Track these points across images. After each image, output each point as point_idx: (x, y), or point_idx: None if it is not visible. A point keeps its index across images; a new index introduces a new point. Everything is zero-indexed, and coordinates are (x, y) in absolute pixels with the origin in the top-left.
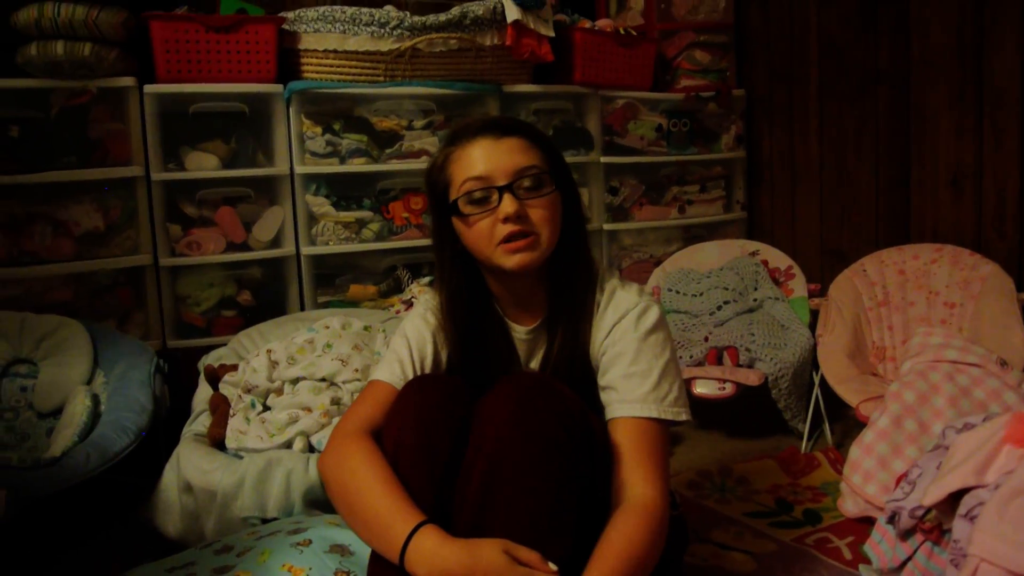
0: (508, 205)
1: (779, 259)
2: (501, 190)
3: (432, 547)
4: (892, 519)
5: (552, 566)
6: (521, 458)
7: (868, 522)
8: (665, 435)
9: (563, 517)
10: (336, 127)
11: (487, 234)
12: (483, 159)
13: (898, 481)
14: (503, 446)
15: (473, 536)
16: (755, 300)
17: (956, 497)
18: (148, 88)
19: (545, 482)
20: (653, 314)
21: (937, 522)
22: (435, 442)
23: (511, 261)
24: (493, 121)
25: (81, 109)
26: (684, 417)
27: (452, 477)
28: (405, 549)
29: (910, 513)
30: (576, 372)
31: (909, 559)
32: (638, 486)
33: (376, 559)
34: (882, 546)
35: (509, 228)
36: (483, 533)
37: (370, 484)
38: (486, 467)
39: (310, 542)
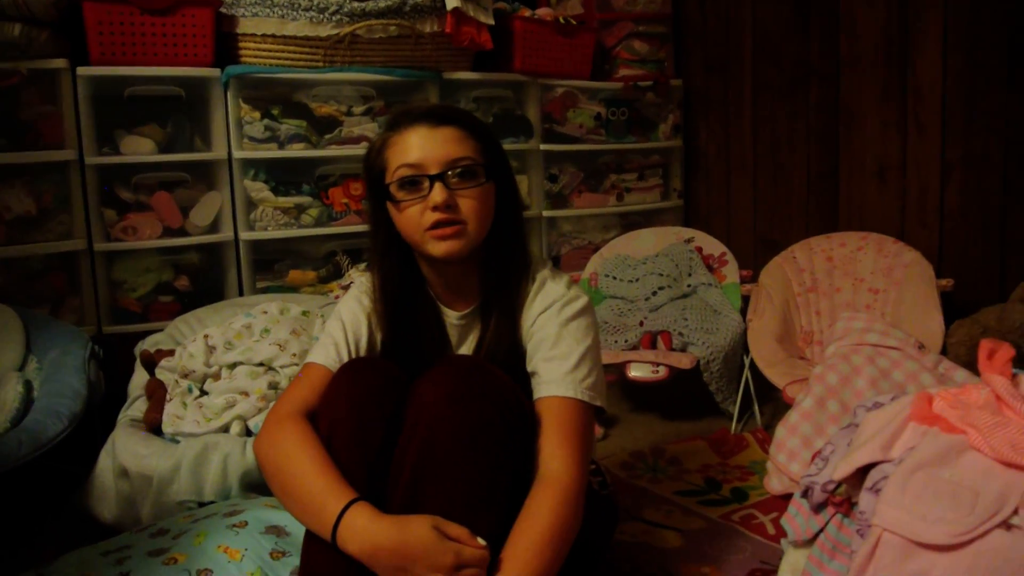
0: (438, 194)
1: (713, 246)
2: (432, 179)
3: (363, 523)
4: (806, 493)
5: (480, 541)
6: (454, 439)
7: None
8: (584, 416)
9: (494, 496)
10: (275, 112)
11: (416, 220)
12: (418, 147)
13: (813, 458)
14: (437, 428)
15: (407, 513)
16: (689, 286)
17: (864, 472)
18: (81, 70)
19: (477, 463)
20: (578, 304)
21: (847, 495)
22: (368, 426)
23: (438, 248)
24: (432, 109)
25: (11, 91)
26: (599, 403)
27: (386, 460)
28: (337, 526)
29: (822, 488)
30: (508, 359)
31: (821, 531)
32: (551, 461)
33: (310, 538)
34: (797, 519)
35: (437, 216)
36: (416, 512)
37: (304, 465)
38: (419, 448)
39: (246, 524)
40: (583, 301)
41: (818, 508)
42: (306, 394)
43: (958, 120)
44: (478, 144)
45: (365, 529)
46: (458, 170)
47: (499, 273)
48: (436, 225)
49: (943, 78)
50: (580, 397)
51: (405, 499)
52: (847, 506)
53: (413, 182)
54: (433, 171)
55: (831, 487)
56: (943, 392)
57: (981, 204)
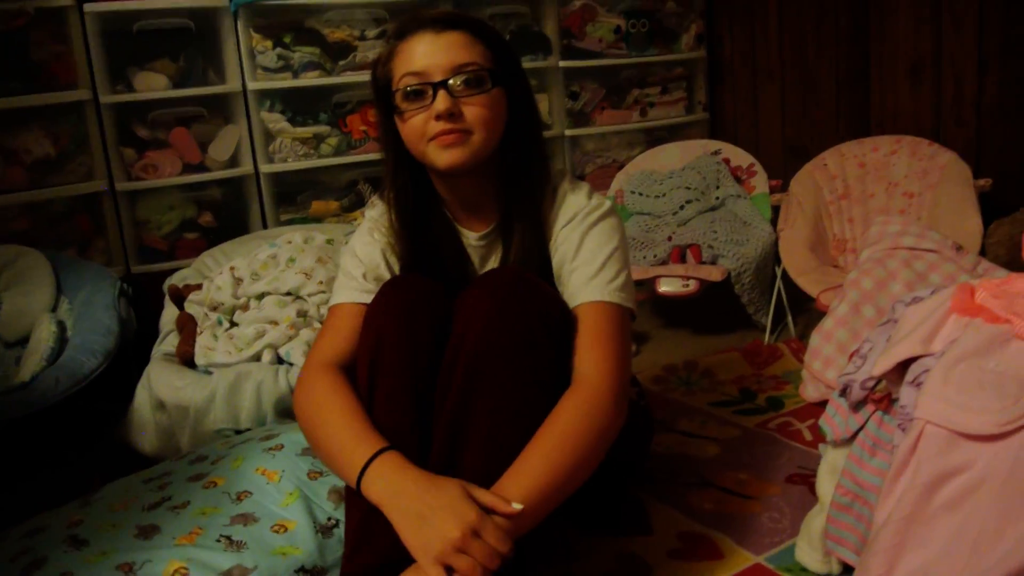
0: (441, 102)
1: (741, 157)
2: (435, 86)
3: (388, 471)
4: (844, 392)
5: (516, 506)
6: (502, 351)
7: None
8: (616, 318)
9: (543, 408)
10: (287, 40)
11: (420, 130)
12: (422, 54)
13: (851, 357)
14: (484, 341)
15: (455, 427)
16: (717, 198)
17: (904, 366)
18: (88, 7)
19: (525, 374)
20: (600, 210)
21: (886, 392)
22: (417, 336)
23: (441, 158)
24: (438, 15)
25: (20, 32)
26: (629, 305)
27: (433, 369)
28: (363, 473)
29: (861, 385)
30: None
31: (860, 429)
32: (580, 365)
33: (348, 491)
34: (836, 419)
35: (441, 126)
36: (466, 423)
37: (333, 416)
38: (468, 360)
39: (282, 447)
40: (605, 207)
41: (857, 406)
42: (335, 340)
43: (995, 8)
44: (486, 49)
45: (391, 474)
46: (463, 76)
47: (517, 187)
48: (440, 135)
49: None
50: (608, 299)
51: (455, 411)
52: (887, 402)
53: (417, 91)
54: (437, 78)
55: (870, 384)
56: (986, 282)
57: (1021, 97)
